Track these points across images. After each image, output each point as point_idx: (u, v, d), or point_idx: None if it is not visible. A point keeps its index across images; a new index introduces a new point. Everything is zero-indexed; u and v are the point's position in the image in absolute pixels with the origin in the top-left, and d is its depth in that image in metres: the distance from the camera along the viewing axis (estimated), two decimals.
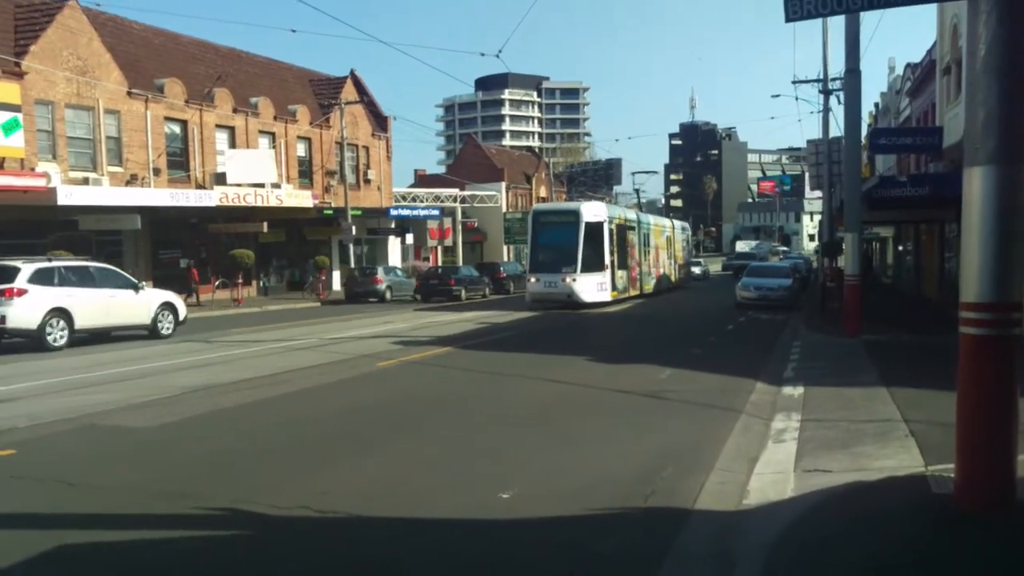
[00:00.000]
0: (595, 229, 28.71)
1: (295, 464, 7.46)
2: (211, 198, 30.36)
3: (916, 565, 4.64)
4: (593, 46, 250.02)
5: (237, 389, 11.59)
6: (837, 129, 26.05)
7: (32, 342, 16.52)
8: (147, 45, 34.28)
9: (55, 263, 17.76)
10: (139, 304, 18.93)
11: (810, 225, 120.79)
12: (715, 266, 71.57)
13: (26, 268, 16.57)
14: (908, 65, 35.95)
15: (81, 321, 17.38)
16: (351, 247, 38.08)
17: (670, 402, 10.35)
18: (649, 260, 36.23)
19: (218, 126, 34.97)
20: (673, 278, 41.64)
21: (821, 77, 28.97)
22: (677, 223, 46.30)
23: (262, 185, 33.38)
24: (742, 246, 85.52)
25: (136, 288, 19.03)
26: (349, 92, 42.41)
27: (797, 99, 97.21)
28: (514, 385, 12.08)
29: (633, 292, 32.64)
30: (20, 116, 25.25)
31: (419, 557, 5.17)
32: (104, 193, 27.05)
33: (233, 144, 35.44)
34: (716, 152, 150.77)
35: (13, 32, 27.30)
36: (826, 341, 16.55)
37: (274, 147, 37.17)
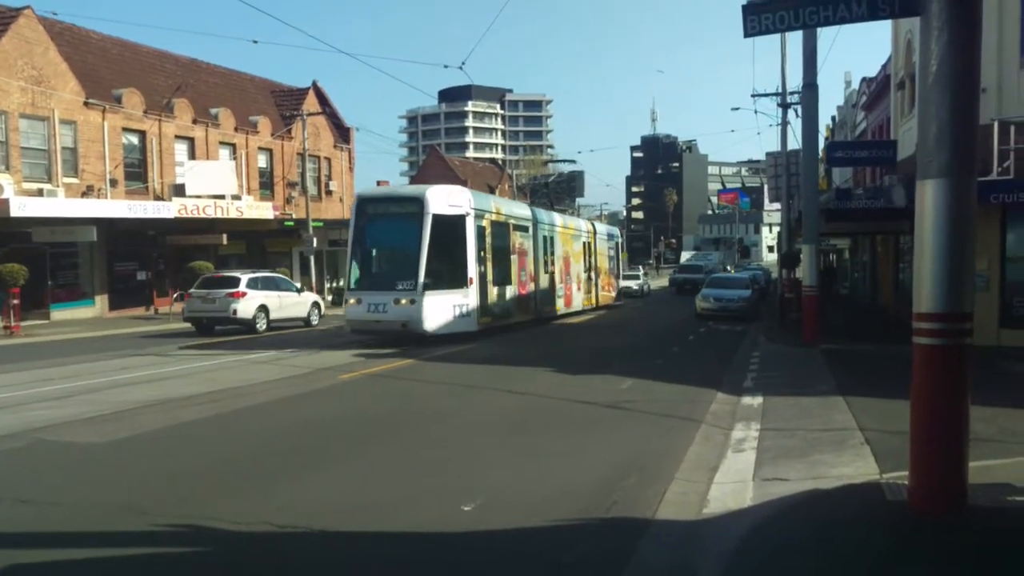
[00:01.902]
0: (451, 226, 19.67)
1: (254, 479, 7.37)
2: (169, 210, 29.90)
3: (872, 570, 4.73)
4: (556, 60, 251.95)
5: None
6: (795, 142, 26.50)
7: (246, 328, 23.33)
8: (105, 55, 33.78)
9: (258, 274, 24.94)
10: (301, 303, 26.06)
11: (769, 237, 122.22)
12: (663, 280, 68.16)
13: (244, 277, 23.88)
14: (864, 79, 36.70)
15: (273, 314, 24.39)
16: (311, 259, 37.80)
17: (632, 412, 10.41)
18: (552, 273, 27.18)
19: (178, 137, 34.52)
20: (593, 297, 32.86)
21: (780, 91, 29.53)
22: (601, 227, 38.25)
23: (222, 197, 32.98)
24: (688, 257, 73.47)
25: (298, 291, 26.39)
26: (311, 103, 42.14)
27: (756, 112, 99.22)
28: (477, 398, 12.06)
29: (521, 317, 24.06)
30: None
31: (382, 571, 5.13)
32: (59, 204, 26.51)
33: (193, 155, 35.01)
34: (677, 164, 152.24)
35: None
36: (785, 351, 16.79)
37: (235, 158, 36.77)
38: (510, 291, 23.18)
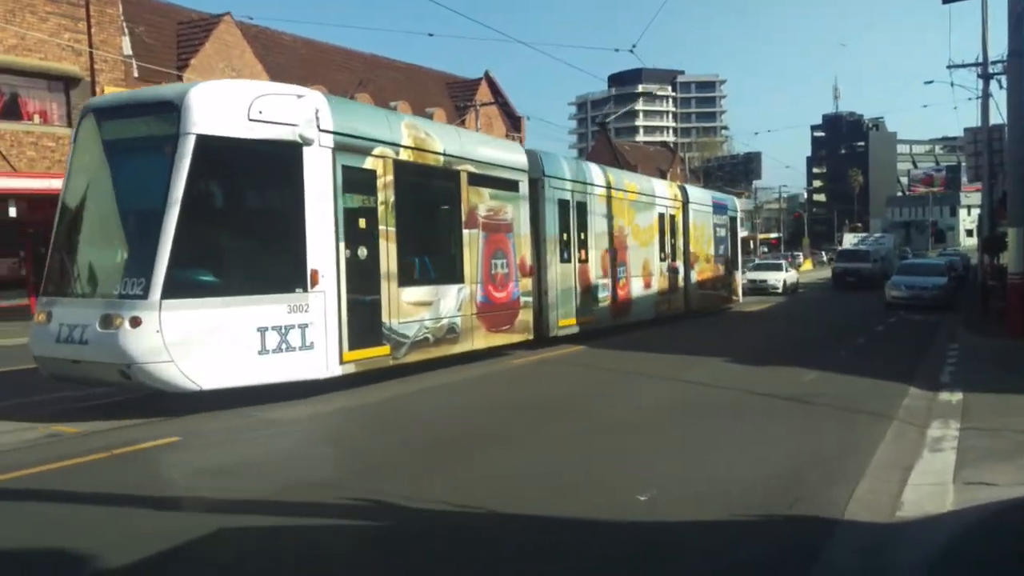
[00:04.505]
0: (259, 162, 10.48)
1: (433, 459, 7.62)
2: None
3: None
4: (730, 38, 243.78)
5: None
6: (999, 116, 24.34)
7: None
8: (295, 54, 36.00)
9: None
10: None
11: (968, 219, 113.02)
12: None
13: None
14: None
15: None
16: None
17: (815, 406, 9.91)
18: (575, 261, 17.19)
19: None
20: (679, 297, 23.07)
21: (980, 61, 27.16)
22: (699, 193, 26.25)
23: None
24: (855, 242, 52.38)
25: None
26: (484, 93, 43.10)
27: (953, 85, 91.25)
28: (646, 386, 11.91)
29: (479, 341, 13.99)
30: None
31: (557, 555, 5.15)
32: None
33: None
34: (862, 144, 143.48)
35: (176, 47, 29.31)
36: (987, 344, 15.45)
37: None
38: (450, 295, 13.22)
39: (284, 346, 9.98)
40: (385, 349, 11.61)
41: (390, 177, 11.80)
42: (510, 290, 14.93)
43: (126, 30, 26.44)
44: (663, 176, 67.56)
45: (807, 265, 68.61)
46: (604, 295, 18.49)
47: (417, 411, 10.37)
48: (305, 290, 10.23)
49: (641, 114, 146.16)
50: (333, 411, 10.10)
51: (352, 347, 10.89)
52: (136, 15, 28.08)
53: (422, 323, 12.47)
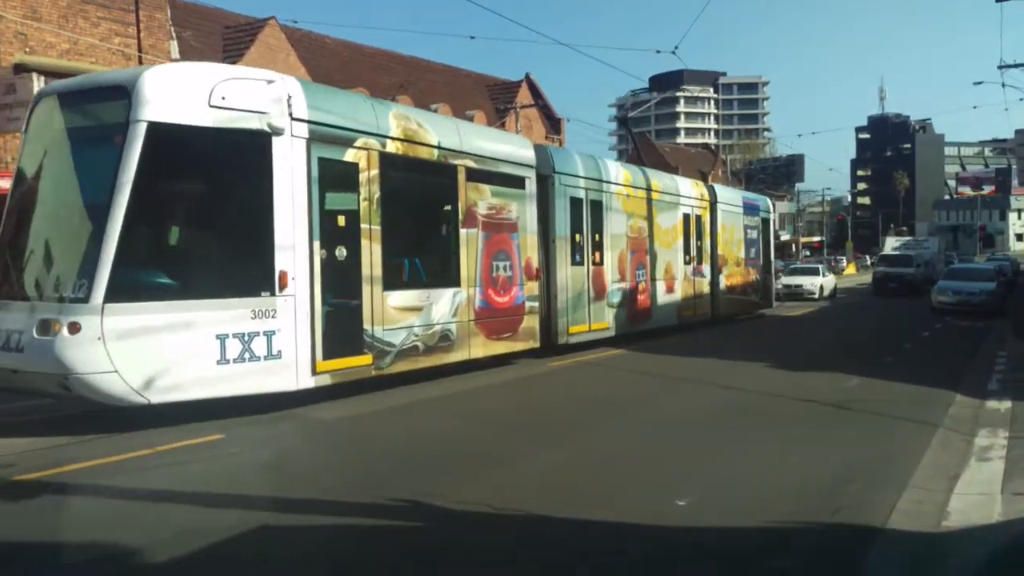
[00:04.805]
0: (221, 150, 9.44)
1: (471, 459, 7.65)
2: None
3: None
4: (773, 39, 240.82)
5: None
6: None
7: None
8: (337, 57, 36.38)
9: None
10: None
11: (1017, 224, 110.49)
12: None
13: None
14: None
15: None
16: None
17: (858, 412, 9.76)
18: (587, 264, 16.15)
19: None
20: (705, 302, 21.90)
21: None
22: (728, 193, 25.17)
23: None
24: (897, 245, 49.26)
25: None
26: (524, 96, 43.16)
27: (1004, 86, 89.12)
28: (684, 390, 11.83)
29: (478, 349, 13.07)
30: None
31: (593, 558, 5.14)
32: None
33: None
34: (909, 146, 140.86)
35: (222, 51, 29.79)
36: None
37: None
38: (444, 300, 12.25)
39: (247, 355, 9.07)
40: (366, 358, 10.62)
41: (375, 171, 10.88)
42: (513, 294, 13.95)
43: (174, 34, 26.93)
44: (704, 178, 67.00)
45: (851, 269, 67.47)
46: (621, 300, 17.42)
47: (461, 409, 10.44)
48: (272, 294, 9.35)
49: (682, 116, 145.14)
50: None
51: (328, 356, 9.94)
52: (183, 19, 28.59)
53: (411, 330, 11.47)
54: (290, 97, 9.68)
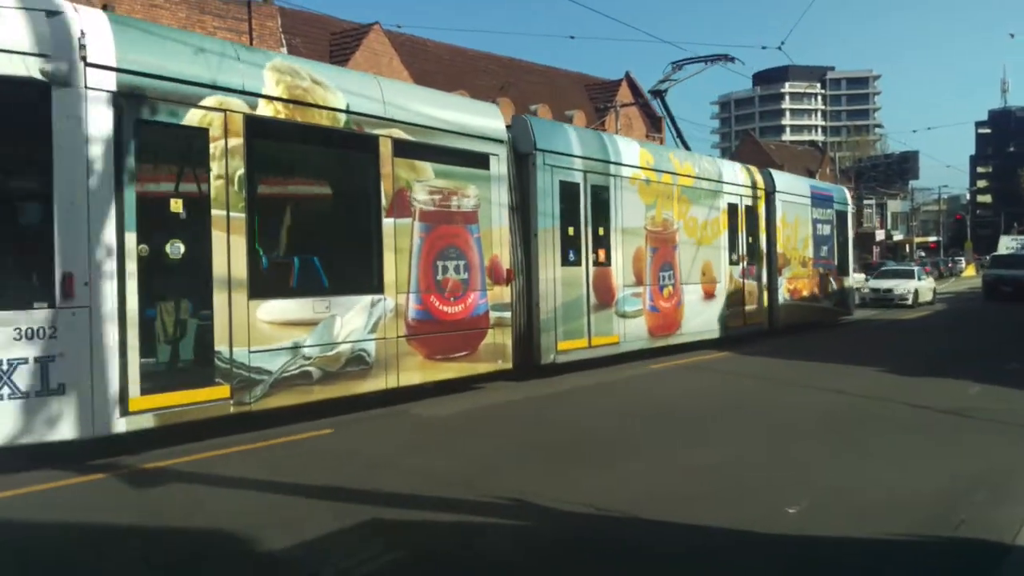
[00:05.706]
0: None
1: (575, 462, 7.62)
2: None
3: None
4: (886, 32, 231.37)
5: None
6: None
7: None
8: (438, 61, 36.95)
9: None
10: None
11: None
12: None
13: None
14: None
15: None
16: None
17: (980, 421, 9.22)
18: (615, 258, 13.94)
19: None
20: (756, 310, 18.45)
21: None
22: (789, 180, 21.07)
23: None
24: (1009, 244, 45.12)
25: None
26: (624, 95, 42.82)
27: None
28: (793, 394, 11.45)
29: (417, 373, 10.36)
30: None
31: (701, 566, 5.03)
32: None
33: None
34: None
35: (329, 56, 30.69)
36: None
37: None
38: (355, 311, 9.53)
39: (7, 392, 6.70)
40: (221, 390, 8.02)
41: (237, 140, 8.26)
42: (470, 303, 11.00)
43: (284, 41, 27.94)
44: (812, 176, 64.64)
45: (970, 271, 63.98)
46: (637, 307, 14.34)
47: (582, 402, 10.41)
48: (52, 305, 6.91)
49: (788, 113, 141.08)
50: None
51: (149, 390, 7.43)
52: (293, 27, 29.62)
53: (298, 351, 8.73)
54: (82, 35, 7.13)
